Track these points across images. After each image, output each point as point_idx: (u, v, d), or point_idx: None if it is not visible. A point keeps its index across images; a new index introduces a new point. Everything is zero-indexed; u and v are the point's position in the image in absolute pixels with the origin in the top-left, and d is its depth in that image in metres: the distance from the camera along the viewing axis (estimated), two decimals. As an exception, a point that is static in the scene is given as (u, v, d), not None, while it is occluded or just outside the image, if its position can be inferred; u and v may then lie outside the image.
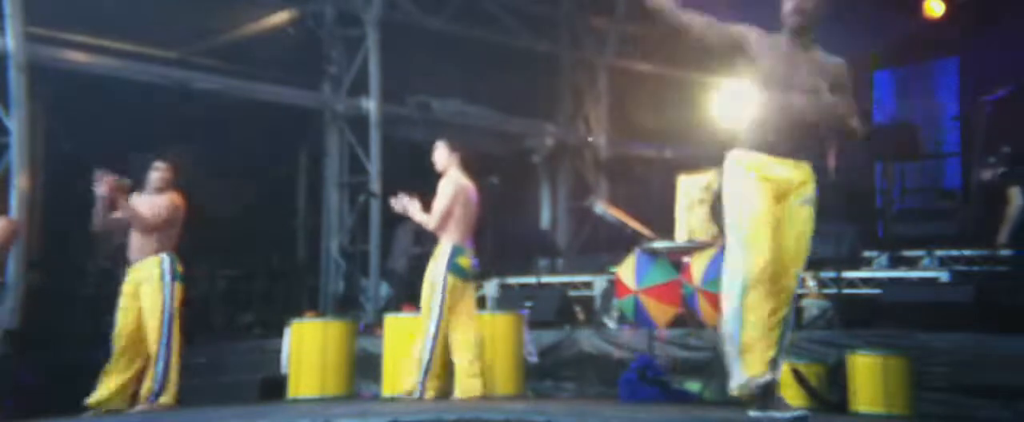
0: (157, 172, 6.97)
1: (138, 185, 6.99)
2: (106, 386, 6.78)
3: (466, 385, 6.60)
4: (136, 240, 6.91)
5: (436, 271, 6.78)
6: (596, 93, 13.98)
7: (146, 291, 6.85)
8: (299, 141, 12.38)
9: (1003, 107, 8.21)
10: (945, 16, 11.00)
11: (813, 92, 4.77)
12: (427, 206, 7.05)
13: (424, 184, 11.86)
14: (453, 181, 6.91)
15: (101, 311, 9.39)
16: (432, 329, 6.67)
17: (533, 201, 13.76)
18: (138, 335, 6.84)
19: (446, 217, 6.84)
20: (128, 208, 6.80)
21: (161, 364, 6.74)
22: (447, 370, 6.74)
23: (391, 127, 11.68)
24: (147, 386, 6.78)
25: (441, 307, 6.69)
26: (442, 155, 7.06)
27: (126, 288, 6.90)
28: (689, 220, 11.21)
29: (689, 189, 11.30)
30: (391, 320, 7.54)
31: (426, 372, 6.64)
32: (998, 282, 7.67)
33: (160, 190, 6.95)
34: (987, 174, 8.07)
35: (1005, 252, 8.26)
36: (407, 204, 6.98)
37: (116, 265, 10.33)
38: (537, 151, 13.61)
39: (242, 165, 11.22)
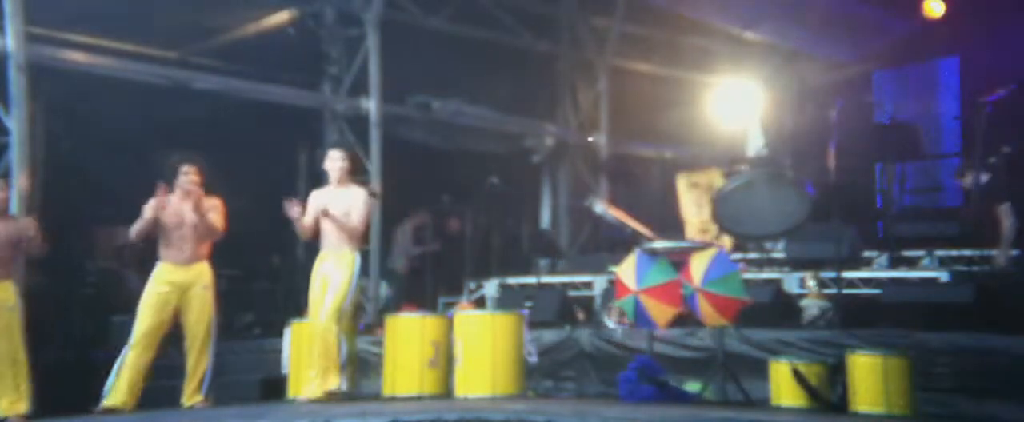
0: (188, 176, 7.01)
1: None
2: (131, 387, 6.79)
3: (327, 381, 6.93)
4: (188, 243, 6.96)
5: (351, 279, 7.02)
6: (596, 93, 13.98)
7: (196, 295, 6.95)
8: (299, 141, 12.37)
9: (1003, 107, 8.20)
10: (945, 16, 11.01)
11: None
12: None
13: (424, 184, 11.95)
14: (366, 194, 7.16)
15: (101, 311, 9.40)
16: (342, 329, 6.94)
17: (533, 201, 13.77)
18: (163, 334, 6.92)
19: (363, 228, 7.16)
20: (203, 214, 6.92)
21: (210, 365, 6.98)
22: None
23: (391, 127, 11.68)
24: (196, 384, 6.93)
25: (348, 308, 7.02)
26: (341, 165, 7.12)
27: (163, 287, 6.92)
28: (699, 218, 11.25)
29: (694, 188, 11.32)
30: (391, 320, 7.54)
31: (345, 367, 6.93)
32: (998, 282, 7.67)
33: (191, 194, 6.98)
34: (969, 180, 8.05)
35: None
36: (325, 209, 7.07)
37: (122, 265, 10.36)
38: (537, 151, 13.62)
39: (242, 165, 11.20)
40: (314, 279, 7.12)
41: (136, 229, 6.95)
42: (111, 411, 6.71)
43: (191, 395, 6.94)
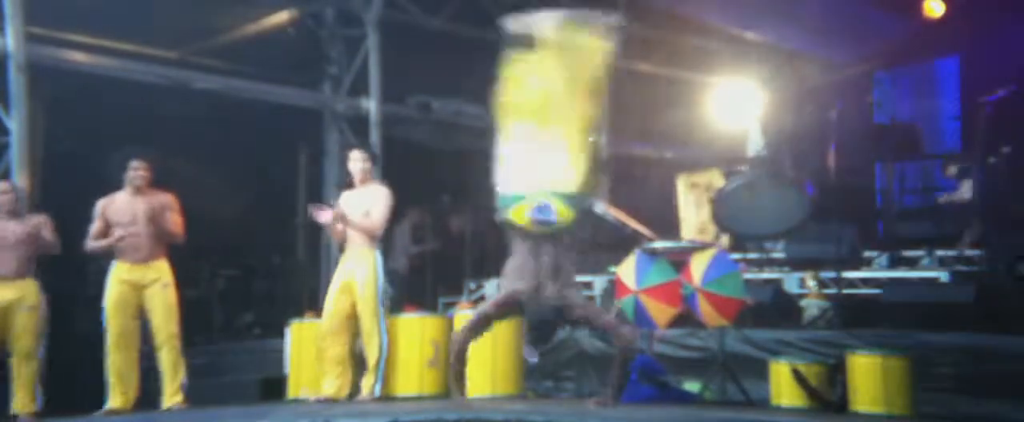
0: (137, 171, 6.95)
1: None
2: (125, 388, 6.82)
3: (372, 383, 6.99)
4: (144, 240, 6.91)
5: (377, 282, 7.06)
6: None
7: (158, 294, 6.89)
8: (299, 141, 12.38)
9: (1003, 107, 8.21)
10: (945, 16, 11.01)
11: None
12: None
13: (424, 184, 11.94)
14: (387, 193, 7.11)
15: (101, 311, 9.40)
16: (383, 330, 7.01)
17: (533, 201, 13.73)
18: (136, 332, 6.92)
19: (383, 227, 7.13)
20: (156, 212, 6.89)
21: (183, 362, 6.97)
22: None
23: (391, 127, 11.68)
24: (176, 384, 6.92)
25: (383, 311, 7.04)
26: (363, 165, 7.13)
27: (122, 287, 6.88)
28: (698, 218, 11.23)
29: (693, 188, 11.29)
30: (391, 320, 7.53)
31: (382, 371, 6.99)
32: (998, 282, 7.67)
33: (140, 189, 6.94)
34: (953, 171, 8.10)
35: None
36: (340, 212, 7.04)
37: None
38: (537, 151, 13.59)
39: (242, 165, 11.21)
40: (335, 279, 7.16)
41: (97, 246, 6.91)
42: (113, 413, 6.75)
43: (171, 396, 6.91)
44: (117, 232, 6.87)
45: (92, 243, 6.93)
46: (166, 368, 6.92)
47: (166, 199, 7.03)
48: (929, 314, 7.01)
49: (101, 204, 6.95)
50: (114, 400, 6.81)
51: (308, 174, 12.61)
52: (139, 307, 6.91)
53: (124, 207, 6.92)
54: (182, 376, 6.95)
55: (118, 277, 6.91)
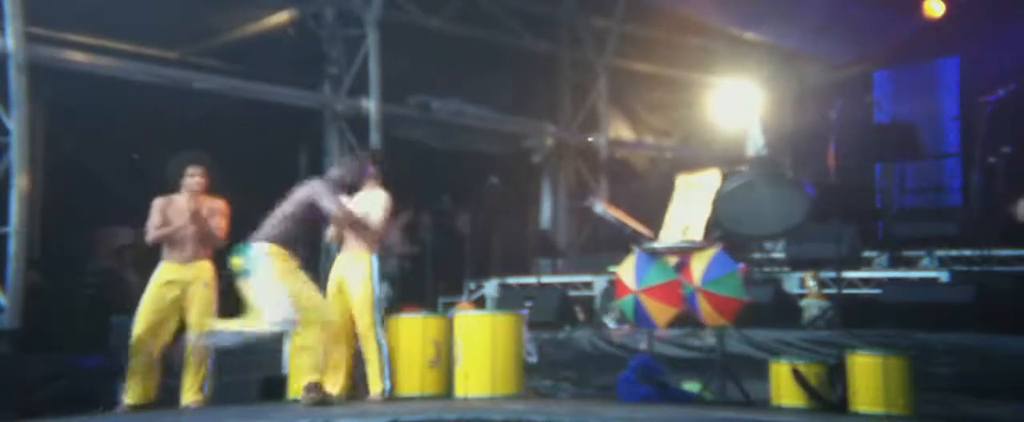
0: (194, 178, 7.12)
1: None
2: (144, 387, 6.88)
3: (381, 389, 6.94)
4: (190, 243, 7.02)
5: (370, 280, 7.01)
6: (596, 93, 13.99)
7: (197, 292, 6.99)
8: (299, 141, 12.38)
9: (1003, 107, 8.22)
10: (945, 16, 11.02)
11: None
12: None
13: (424, 184, 11.95)
14: (385, 197, 7.12)
15: (101, 311, 9.42)
16: (380, 334, 6.98)
17: (533, 201, 13.77)
18: (164, 332, 6.96)
19: (384, 230, 7.10)
20: (206, 218, 7.02)
21: (211, 361, 7.02)
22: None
23: (391, 127, 11.68)
24: (197, 382, 6.97)
25: (381, 314, 7.01)
26: (358, 170, 7.15)
27: (162, 286, 6.96)
28: (683, 220, 11.21)
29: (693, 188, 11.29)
30: (392, 320, 7.53)
31: (391, 372, 6.96)
32: (998, 282, 7.68)
33: (198, 194, 7.08)
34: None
35: (1005, 252, 8.28)
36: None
37: (122, 265, 10.35)
38: (537, 151, 13.62)
39: (242, 165, 11.19)
40: (330, 282, 7.16)
41: (157, 236, 7.01)
42: (130, 409, 6.81)
43: (195, 393, 6.97)
44: (170, 236, 7.02)
45: (155, 233, 7.00)
46: (192, 363, 6.99)
47: (216, 205, 7.20)
48: (929, 314, 7.02)
49: (160, 202, 7.02)
50: (131, 396, 6.86)
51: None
52: (178, 305, 6.99)
53: (180, 209, 7.02)
54: (205, 373, 7.01)
55: (161, 278, 7.01)
